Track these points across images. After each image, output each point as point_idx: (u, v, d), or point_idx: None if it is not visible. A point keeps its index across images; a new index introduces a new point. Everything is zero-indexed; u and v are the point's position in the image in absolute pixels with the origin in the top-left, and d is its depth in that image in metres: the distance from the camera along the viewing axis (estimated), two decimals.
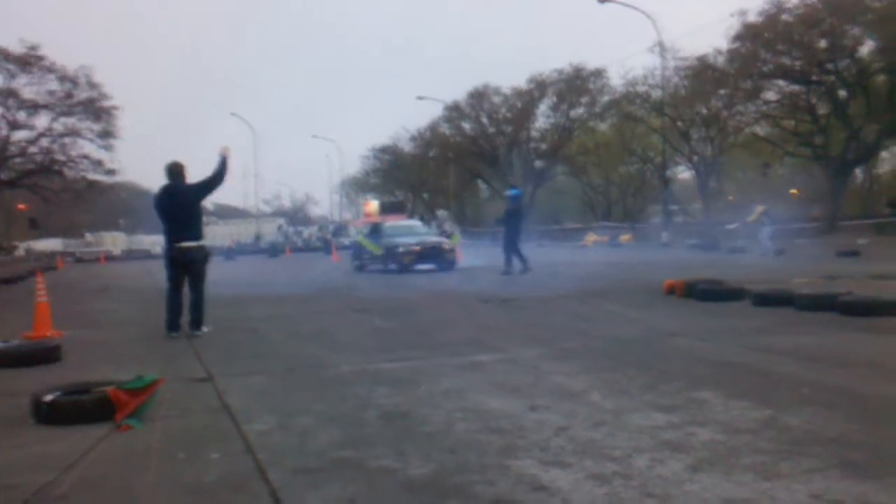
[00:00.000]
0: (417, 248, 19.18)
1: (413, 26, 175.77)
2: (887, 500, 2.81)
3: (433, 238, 20.71)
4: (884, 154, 46.08)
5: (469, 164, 56.02)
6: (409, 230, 21.10)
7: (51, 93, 41.54)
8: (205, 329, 8.26)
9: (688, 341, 6.79)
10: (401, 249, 19.03)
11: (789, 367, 5.37)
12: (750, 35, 33.71)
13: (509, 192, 19.62)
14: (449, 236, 21.93)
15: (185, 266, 8.31)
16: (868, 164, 42.49)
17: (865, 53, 33.39)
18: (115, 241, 61.23)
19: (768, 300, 8.87)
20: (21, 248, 52.90)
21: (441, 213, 55.47)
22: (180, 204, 8.27)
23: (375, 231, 20.74)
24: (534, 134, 53.53)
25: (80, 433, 4.13)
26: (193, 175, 8.51)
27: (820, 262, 16.78)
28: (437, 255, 19.25)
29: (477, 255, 23.17)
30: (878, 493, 2.86)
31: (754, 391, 4.63)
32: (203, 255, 8.41)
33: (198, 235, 8.37)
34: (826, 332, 6.91)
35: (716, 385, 4.81)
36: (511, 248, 16.58)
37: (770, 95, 37.21)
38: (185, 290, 8.37)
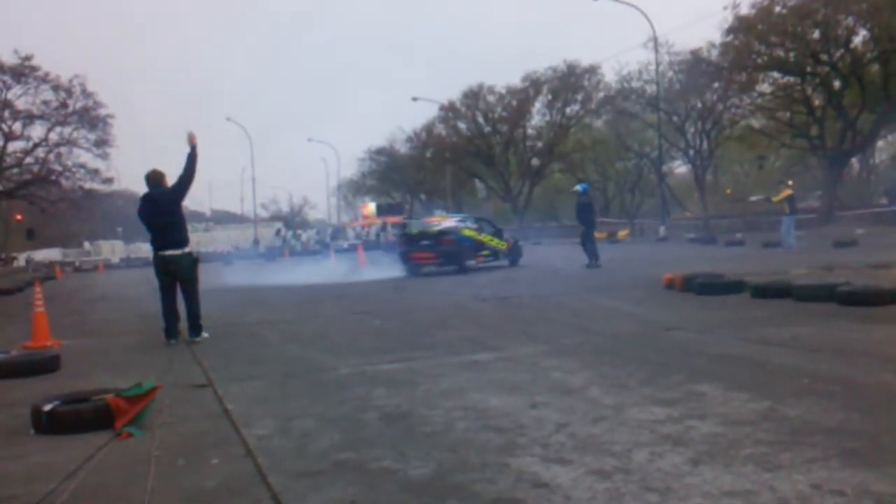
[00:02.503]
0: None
1: (406, 27, 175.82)
2: (887, 488, 2.80)
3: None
4: (880, 144, 46.18)
5: (465, 164, 55.96)
6: None
7: (45, 103, 41.50)
8: (204, 335, 8.23)
9: (686, 335, 6.79)
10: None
11: (788, 359, 5.37)
12: (743, 27, 33.65)
13: (579, 187, 18.81)
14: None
15: (172, 274, 8.25)
16: (864, 154, 42.48)
17: (859, 43, 33.39)
18: (113, 250, 61.24)
19: (767, 292, 8.88)
20: (21, 258, 52.81)
21: (438, 213, 55.40)
22: (161, 210, 8.21)
23: (492, 229, 19.79)
24: (529, 132, 53.51)
25: (80, 442, 4.13)
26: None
27: (818, 252, 16.79)
28: None
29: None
30: (878, 482, 2.86)
31: (753, 383, 4.63)
32: (190, 262, 8.33)
33: (182, 242, 8.27)
34: (824, 323, 6.91)
35: (715, 378, 4.81)
36: (589, 241, 17.09)
37: (764, 87, 37.15)
38: (180, 295, 8.32)
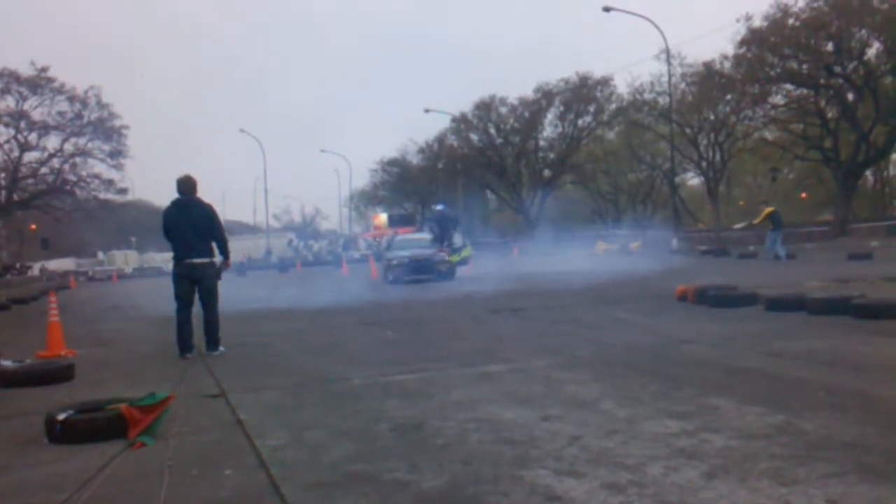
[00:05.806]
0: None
1: (418, 39, 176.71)
2: None
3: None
4: (894, 156, 45.88)
5: (477, 175, 56.06)
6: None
7: (61, 114, 42.04)
8: (221, 349, 8.04)
9: (700, 347, 6.75)
10: None
11: (803, 372, 5.33)
12: (756, 40, 33.66)
13: (440, 206, 23.82)
14: (457, 250, 21.68)
15: (195, 282, 8.01)
16: (878, 166, 42.29)
17: (872, 56, 33.30)
18: (126, 260, 61.44)
19: (781, 305, 8.82)
20: (36, 267, 53.16)
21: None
22: (192, 218, 7.95)
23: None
24: (541, 143, 53.59)
25: (94, 451, 4.15)
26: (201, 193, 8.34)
27: (832, 265, 16.69)
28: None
29: (486, 265, 23.23)
30: (895, 497, 2.83)
31: (768, 396, 4.59)
32: (214, 272, 8.12)
33: (208, 252, 8.10)
34: (839, 336, 6.86)
35: (729, 391, 4.78)
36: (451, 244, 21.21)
37: (778, 99, 37.10)
38: (195, 309, 8.11)
